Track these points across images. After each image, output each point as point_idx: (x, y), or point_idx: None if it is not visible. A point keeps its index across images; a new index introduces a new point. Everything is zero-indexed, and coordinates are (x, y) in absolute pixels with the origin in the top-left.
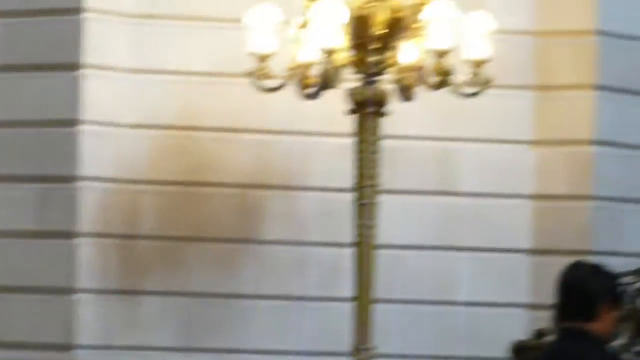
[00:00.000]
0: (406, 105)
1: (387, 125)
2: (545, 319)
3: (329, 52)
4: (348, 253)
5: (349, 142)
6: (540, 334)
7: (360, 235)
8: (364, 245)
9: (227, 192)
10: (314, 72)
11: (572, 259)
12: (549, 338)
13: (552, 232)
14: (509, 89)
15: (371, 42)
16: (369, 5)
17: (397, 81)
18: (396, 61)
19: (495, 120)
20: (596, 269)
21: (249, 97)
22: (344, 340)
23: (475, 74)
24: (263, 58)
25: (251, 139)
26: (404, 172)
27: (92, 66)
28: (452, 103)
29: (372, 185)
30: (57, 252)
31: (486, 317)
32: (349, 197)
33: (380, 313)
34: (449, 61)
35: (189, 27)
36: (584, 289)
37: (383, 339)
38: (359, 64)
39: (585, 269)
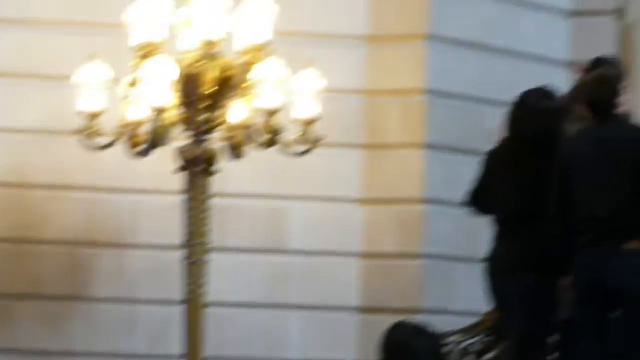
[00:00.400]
0: (236, 163)
1: (217, 183)
2: None
3: (159, 111)
4: (178, 311)
5: (179, 200)
6: None
7: (190, 293)
8: (194, 303)
9: (56, 249)
10: (144, 130)
11: (401, 318)
12: None
13: (381, 291)
14: (338, 147)
15: (201, 100)
16: (199, 63)
17: (227, 139)
18: (226, 119)
19: (325, 179)
20: (419, 329)
21: (79, 155)
22: None
23: (304, 133)
24: (93, 116)
25: (81, 196)
26: (234, 230)
27: None
28: (281, 161)
29: (202, 243)
30: None
31: None
32: (179, 255)
33: None
34: (278, 120)
35: (19, 85)
36: (406, 349)
37: None
38: (189, 122)
39: (408, 328)
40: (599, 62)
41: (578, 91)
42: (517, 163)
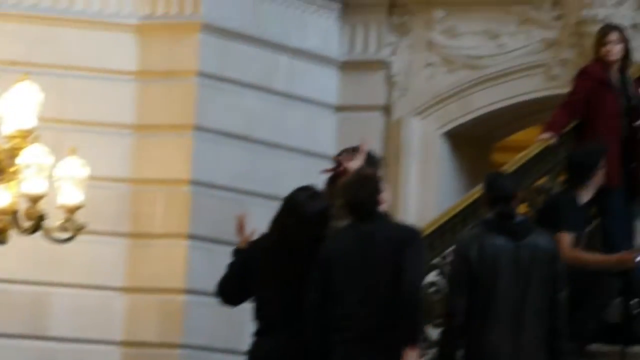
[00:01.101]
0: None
1: None
2: None
3: None
4: None
5: None
6: None
7: None
8: None
9: None
10: None
11: None
12: None
13: None
14: (102, 235)
15: None
16: None
17: None
18: None
19: (88, 266)
20: None
21: None
22: None
23: (68, 220)
24: None
25: None
26: None
27: None
28: (45, 247)
29: None
30: None
31: None
32: None
33: None
34: (42, 206)
35: None
36: None
37: None
38: None
39: None
40: (348, 152)
41: (335, 191)
42: (281, 263)
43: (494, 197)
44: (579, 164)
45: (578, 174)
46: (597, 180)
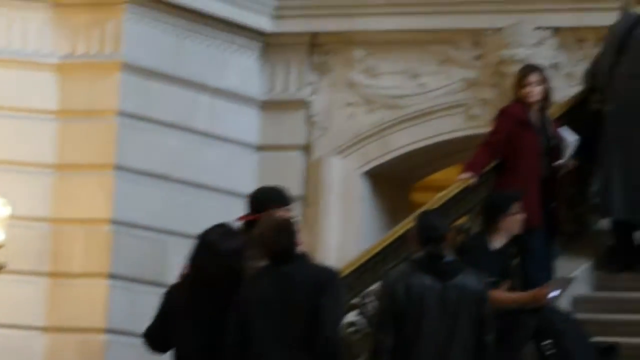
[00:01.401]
0: None
1: None
2: None
3: None
4: None
5: None
6: None
7: None
8: None
9: None
10: None
11: None
12: None
13: None
14: (23, 274)
15: None
16: None
17: None
18: None
19: (8, 306)
20: None
21: None
22: None
23: None
24: None
25: None
26: None
27: None
28: None
29: None
30: None
31: None
32: None
33: None
34: None
35: None
36: None
37: None
38: None
39: None
40: (265, 192)
41: (252, 238)
42: (197, 302)
43: (426, 237)
44: (490, 204)
45: (488, 216)
46: (510, 226)
